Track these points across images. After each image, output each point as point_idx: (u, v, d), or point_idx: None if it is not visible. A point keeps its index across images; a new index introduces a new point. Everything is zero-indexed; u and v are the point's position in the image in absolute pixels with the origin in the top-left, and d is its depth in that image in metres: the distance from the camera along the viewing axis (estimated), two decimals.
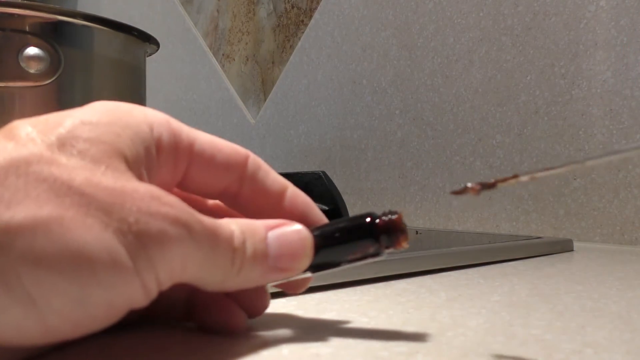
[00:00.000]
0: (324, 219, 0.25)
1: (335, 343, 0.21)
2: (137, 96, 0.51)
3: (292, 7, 0.94)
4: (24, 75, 0.40)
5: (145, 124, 0.21)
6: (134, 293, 0.17)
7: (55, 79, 0.42)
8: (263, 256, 0.21)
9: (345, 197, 0.56)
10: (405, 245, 0.22)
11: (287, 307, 0.28)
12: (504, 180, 0.21)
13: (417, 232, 0.61)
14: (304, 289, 0.25)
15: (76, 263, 0.16)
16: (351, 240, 0.22)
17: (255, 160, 0.24)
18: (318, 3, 0.90)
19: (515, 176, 0.21)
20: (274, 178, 0.24)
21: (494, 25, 0.69)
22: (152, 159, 0.21)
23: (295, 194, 0.24)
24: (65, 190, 0.16)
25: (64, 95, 0.43)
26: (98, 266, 0.16)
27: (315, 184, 0.57)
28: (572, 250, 0.55)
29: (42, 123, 0.18)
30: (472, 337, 0.23)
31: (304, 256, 0.21)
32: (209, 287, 0.20)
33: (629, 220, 0.59)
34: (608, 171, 0.61)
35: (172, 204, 0.18)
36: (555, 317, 0.27)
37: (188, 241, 0.18)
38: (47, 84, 0.41)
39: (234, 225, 0.20)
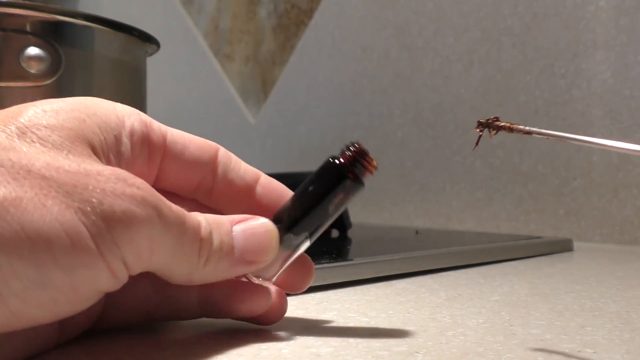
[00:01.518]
0: None
1: (335, 343, 0.21)
2: (138, 96, 0.51)
3: (293, 7, 0.94)
4: (24, 75, 0.40)
5: (115, 115, 0.21)
6: (100, 276, 0.17)
7: (56, 79, 0.42)
8: (229, 248, 0.21)
9: None
10: (375, 164, 0.23)
11: (287, 306, 0.28)
12: (519, 131, 0.22)
13: (417, 232, 0.62)
14: (304, 289, 0.24)
15: (33, 245, 0.15)
16: (331, 191, 0.22)
17: (226, 152, 0.24)
18: (318, 3, 0.90)
19: (529, 132, 0.22)
20: (246, 168, 0.25)
21: (494, 25, 0.70)
22: (123, 148, 0.21)
23: (268, 181, 0.25)
24: (24, 174, 0.16)
25: (64, 95, 0.42)
26: (56, 248, 0.16)
27: None
28: (572, 250, 0.55)
29: (2, 114, 0.18)
30: (472, 337, 0.23)
31: (270, 248, 0.21)
32: (177, 277, 0.20)
33: (628, 220, 0.59)
34: (608, 171, 0.61)
35: (139, 186, 0.18)
36: (554, 316, 0.27)
37: (156, 223, 0.18)
38: (47, 84, 0.41)
39: (200, 217, 0.20)
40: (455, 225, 0.73)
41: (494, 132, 0.23)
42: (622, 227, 0.59)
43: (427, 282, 0.36)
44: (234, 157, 0.24)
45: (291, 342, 0.21)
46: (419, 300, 0.30)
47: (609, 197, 0.60)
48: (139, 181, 0.18)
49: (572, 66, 0.63)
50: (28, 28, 0.41)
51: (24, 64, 0.40)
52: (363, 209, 0.81)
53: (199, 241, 0.20)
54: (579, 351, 0.21)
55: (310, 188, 0.22)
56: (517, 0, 0.68)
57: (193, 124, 1.11)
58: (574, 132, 0.63)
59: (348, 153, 0.22)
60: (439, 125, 0.74)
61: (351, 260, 0.36)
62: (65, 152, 0.18)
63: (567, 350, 0.21)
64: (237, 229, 0.21)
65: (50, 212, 0.16)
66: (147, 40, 0.50)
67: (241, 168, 0.24)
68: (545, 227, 0.65)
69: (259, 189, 0.24)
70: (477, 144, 0.23)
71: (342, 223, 0.55)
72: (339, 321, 0.25)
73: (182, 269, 0.20)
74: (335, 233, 0.56)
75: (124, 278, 0.18)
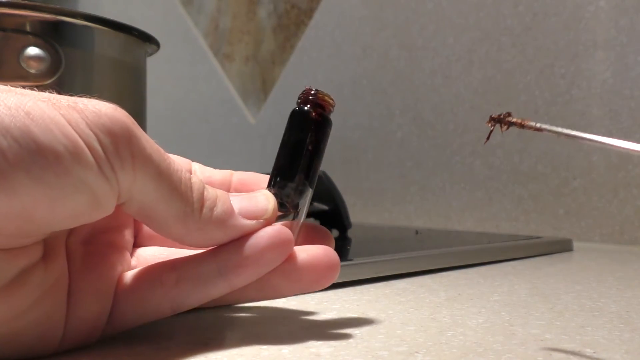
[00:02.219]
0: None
1: (335, 343, 0.21)
2: (138, 96, 0.51)
3: (293, 7, 0.94)
4: (24, 75, 0.40)
5: None
6: (82, 157, 0.17)
7: (56, 79, 0.42)
8: (226, 201, 0.21)
9: (345, 197, 0.56)
10: (331, 100, 0.24)
11: (287, 306, 0.28)
12: (530, 127, 0.22)
13: (417, 232, 0.62)
14: (328, 279, 0.23)
15: (11, 112, 0.16)
16: (304, 132, 0.23)
17: (195, 163, 0.25)
18: (318, 3, 0.90)
19: (540, 129, 0.22)
20: (220, 170, 0.25)
21: (494, 25, 0.70)
22: None
23: (241, 173, 0.25)
24: (3, 89, 0.17)
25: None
26: (35, 116, 0.16)
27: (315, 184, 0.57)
28: (572, 250, 0.55)
29: None
30: (472, 337, 0.23)
31: (269, 205, 0.21)
32: (172, 224, 0.19)
33: (628, 220, 0.59)
34: (608, 171, 0.61)
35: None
36: (554, 316, 0.27)
37: (131, 127, 0.18)
38: (47, 84, 0.41)
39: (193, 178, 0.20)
40: (455, 225, 0.73)
41: (505, 127, 0.22)
42: (622, 227, 0.59)
43: (427, 282, 0.36)
44: (202, 166, 0.25)
45: (291, 342, 0.21)
46: (419, 300, 0.30)
47: (609, 197, 0.60)
48: None
49: (572, 66, 0.63)
50: (28, 28, 0.41)
51: (24, 64, 0.40)
52: (363, 209, 0.81)
53: (190, 182, 0.19)
54: (579, 351, 0.21)
55: (285, 139, 0.23)
56: (517, 0, 0.68)
57: (193, 124, 1.11)
58: None
59: (306, 97, 0.24)
60: (439, 125, 0.74)
61: (351, 260, 0.36)
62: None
63: (566, 350, 0.21)
64: (234, 196, 0.21)
65: (27, 99, 0.16)
66: (147, 40, 0.50)
67: (214, 171, 0.25)
68: (545, 227, 0.65)
69: (235, 183, 0.25)
70: (488, 138, 0.23)
71: (342, 223, 0.55)
72: (339, 321, 0.25)
73: (175, 207, 0.19)
74: (335, 233, 0.56)
75: (112, 180, 0.17)
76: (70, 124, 0.17)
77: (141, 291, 0.21)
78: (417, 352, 0.20)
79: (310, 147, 0.23)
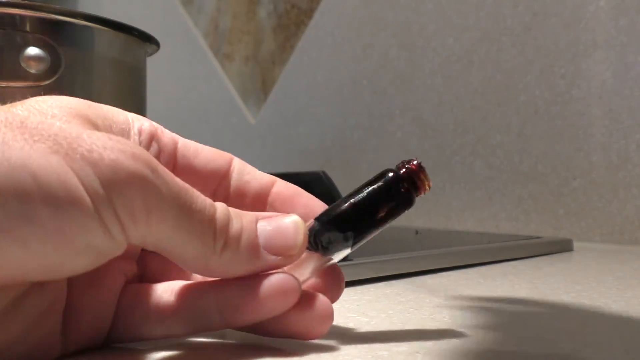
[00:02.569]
0: (314, 203, 0.23)
1: (335, 343, 0.21)
2: (138, 96, 0.51)
3: (293, 7, 0.94)
4: (24, 75, 0.40)
5: (124, 115, 0.21)
6: (90, 225, 0.16)
7: (56, 79, 0.42)
8: (251, 236, 0.19)
9: None
10: (429, 185, 0.22)
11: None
12: None
13: (417, 232, 0.62)
14: (318, 332, 0.21)
15: (15, 173, 0.15)
16: (379, 198, 0.21)
17: (239, 160, 0.24)
18: (318, 3, 0.90)
19: None
20: (262, 173, 0.24)
21: (494, 25, 0.69)
22: (131, 140, 0.21)
23: (282, 186, 0.24)
24: (17, 124, 0.16)
25: (64, 95, 0.43)
26: (41, 180, 0.15)
27: (315, 184, 0.57)
28: (572, 250, 0.55)
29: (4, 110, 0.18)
30: (472, 337, 0.23)
31: (298, 240, 0.20)
32: (191, 262, 0.19)
33: (628, 220, 0.59)
34: (608, 171, 0.61)
35: (131, 145, 0.17)
36: (555, 316, 0.27)
37: (149, 179, 0.17)
38: (47, 84, 0.41)
39: (218, 204, 0.19)
40: (455, 225, 0.73)
41: None
42: (622, 227, 0.59)
43: (427, 282, 0.36)
44: (248, 165, 0.24)
45: (291, 342, 0.21)
46: (419, 300, 0.30)
47: (609, 197, 0.60)
48: (132, 143, 0.17)
49: (572, 66, 0.63)
50: (28, 28, 0.41)
51: (24, 64, 0.40)
52: None
53: (213, 221, 0.18)
54: (579, 351, 0.21)
55: (366, 192, 0.22)
56: (517, 0, 0.68)
57: (193, 124, 1.11)
58: (574, 132, 0.64)
59: (406, 167, 0.22)
60: (439, 125, 0.74)
61: (351, 260, 0.36)
62: (63, 119, 0.17)
63: (567, 350, 0.21)
64: (262, 222, 0.20)
65: (37, 151, 0.15)
66: (147, 40, 0.50)
67: (256, 174, 0.24)
68: (545, 227, 0.65)
69: (274, 195, 0.23)
70: None
71: None
72: (339, 321, 0.25)
73: (194, 250, 0.18)
74: None
75: (120, 239, 0.17)
76: (82, 184, 0.15)
77: (139, 312, 0.20)
78: (417, 352, 0.20)
79: (380, 215, 0.21)
